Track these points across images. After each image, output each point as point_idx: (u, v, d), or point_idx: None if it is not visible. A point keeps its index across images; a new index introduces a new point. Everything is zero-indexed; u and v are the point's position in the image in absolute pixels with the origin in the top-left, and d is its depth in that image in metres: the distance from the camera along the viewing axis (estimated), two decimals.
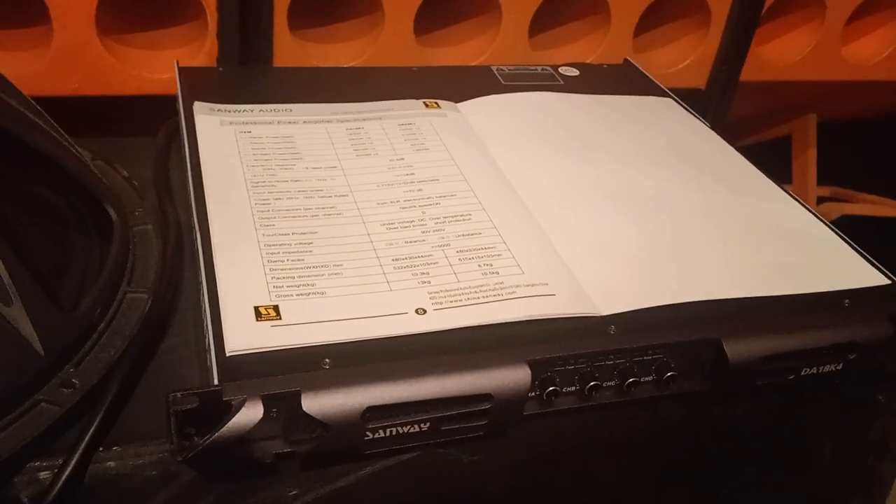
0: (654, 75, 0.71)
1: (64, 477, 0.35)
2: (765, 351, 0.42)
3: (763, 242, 0.50)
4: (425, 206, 0.49)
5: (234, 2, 0.70)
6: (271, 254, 0.44)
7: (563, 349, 0.40)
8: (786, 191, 0.56)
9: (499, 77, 0.67)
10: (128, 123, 0.70)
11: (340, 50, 0.78)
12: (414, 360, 0.38)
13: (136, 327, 0.43)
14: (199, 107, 0.56)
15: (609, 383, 0.42)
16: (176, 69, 0.61)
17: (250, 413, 0.35)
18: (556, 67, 0.70)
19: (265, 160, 0.52)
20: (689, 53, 0.88)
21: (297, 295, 0.41)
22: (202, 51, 0.72)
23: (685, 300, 0.44)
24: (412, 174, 0.52)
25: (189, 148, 0.52)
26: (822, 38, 0.93)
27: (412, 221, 0.48)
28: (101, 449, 0.37)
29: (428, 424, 0.38)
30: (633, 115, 0.64)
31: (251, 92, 0.61)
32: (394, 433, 0.38)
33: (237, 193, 0.48)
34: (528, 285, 0.43)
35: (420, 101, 0.61)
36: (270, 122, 0.56)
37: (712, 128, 0.63)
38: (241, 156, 0.52)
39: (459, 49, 0.82)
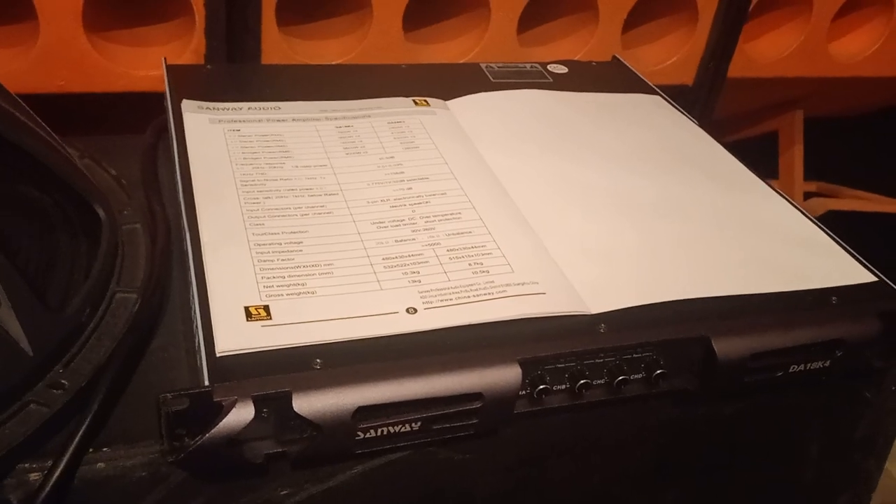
0: (642, 72, 0.71)
1: (53, 478, 0.35)
2: (753, 348, 0.43)
3: (750, 240, 0.50)
4: (415, 204, 0.49)
5: None
6: (261, 253, 0.44)
7: (553, 348, 0.40)
8: (772, 187, 0.56)
9: (488, 74, 0.67)
10: (115, 121, 0.69)
11: (329, 47, 0.78)
12: (404, 360, 0.38)
13: (125, 327, 0.42)
14: (187, 104, 0.56)
15: (599, 381, 0.42)
16: (164, 66, 0.60)
17: (241, 414, 0.35)
18: (544, 65, 0.70)
19: (254, 159, 0.51)
20: (676, 50, 0.89)
21: (288, 295, 0.41)
22: (189, 48, 0.71)
23: (674, 298, 0.44)
24: (402, 172, 0.52)
25: (177, 146, 0.52)
26: (809, 34, 0.93)
27: (402, 220, 0.48)
28: (90, 450, 0.37)
29: (419, 424, 0.38)
30: (622, 112, 0.64)
31: (240, 89, 0.61)
32: (385, 433, 0.38)
33: (226, 192, 0.48)
34: (518, 284, 0.43)
35: (409, 99, 0.61)
36: (259, 120, 0.56)
37: (700, 124, 0.64)
38: (230, 154, 0.52)
39: (448, 46, 0.82)
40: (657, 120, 0.63)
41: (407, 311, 0.41)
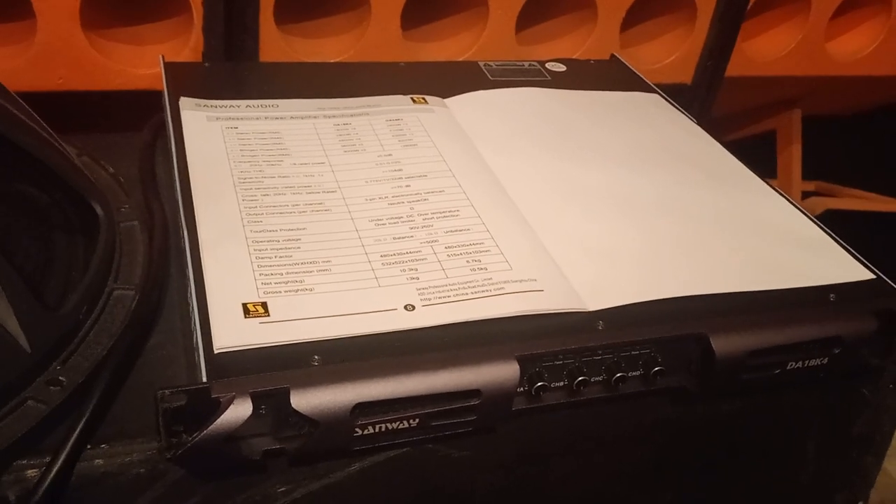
0: (641, 71, 0.71)
1: (51, 475, 0.35)
2: (751, 345, 0.43)
3: (749, 238, 0.50)
4: (413, 202, 0.49)
5: None
6: (259, 250, 0.44)
7: (551, 345, 0.40)
8: (771, 186, 0.56)
9: (486, 72, 0.67)
10: (113, 119, 0.69)
11: (327, 45, 0.78)
12: (403, 357, 0.38)
13: (123, 325, 0.42)
14: (185, 102, 0.56)
15: (597, 378, 0.42)
16: (161, 64, 0.60)
17: (239, 410, 0.35)
18: (543, 63, 0.70)
19: (252, 156, 0.51)
20: (675, 49, 0.89)
21: (286, 292, 0.41)
22: (188, 45, 0.71)
23: (672, 295, 0.44)
24: (400, 170, 0.52)
25: (175, 144, 0.52)
26: (807, 33, 0.93)
27: (400, 217, 0.48)
28: (88, 447, 0.37)
29: (417, 420, 0.38)
30: (620, 110, 0.64)
31: (238, 87, 0.61)
32: (383, 429, 0.38)
33: (224, 190, 0.48)
34: (516, 281, 0.43)
35: (407, 97, 0.61)
36: (257, 118, 0.56)
37: (698, 123, 0.64)
38: (228, 152, 0.52)
39: (446, 44, 0.82)
40: (655, 118, 0.63)
41: (405, 307, 0.41)
